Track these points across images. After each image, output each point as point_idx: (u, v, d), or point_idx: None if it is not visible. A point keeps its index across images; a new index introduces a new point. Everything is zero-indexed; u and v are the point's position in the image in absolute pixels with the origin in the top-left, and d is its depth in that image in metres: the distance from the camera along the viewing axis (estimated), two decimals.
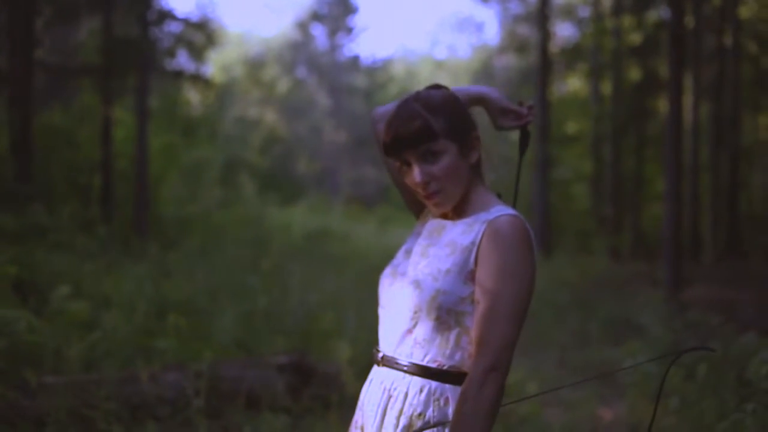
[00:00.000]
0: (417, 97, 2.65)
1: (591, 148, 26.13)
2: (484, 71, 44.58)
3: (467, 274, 2.50)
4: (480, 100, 2.88)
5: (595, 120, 25.34)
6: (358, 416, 2.73)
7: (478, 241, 2.51)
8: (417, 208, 2.87)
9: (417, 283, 2.55)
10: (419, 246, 2.68)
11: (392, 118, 2.61)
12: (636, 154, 23.50)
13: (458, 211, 2.66)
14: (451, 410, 2.49)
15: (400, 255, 2.76)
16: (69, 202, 15.27)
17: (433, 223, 2.71)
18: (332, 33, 50.66)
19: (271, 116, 48.61)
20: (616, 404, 7.87)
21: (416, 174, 2.57)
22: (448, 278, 2.50)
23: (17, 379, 5.70)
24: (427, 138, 2.55)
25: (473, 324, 2.46)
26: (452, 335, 2.51)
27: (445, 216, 2.70)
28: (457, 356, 2.52)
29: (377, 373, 2.68)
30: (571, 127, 28.59)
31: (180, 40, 25.54)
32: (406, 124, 2.56)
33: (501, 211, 2.56)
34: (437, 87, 2.73)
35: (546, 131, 21.77)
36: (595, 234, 24.44)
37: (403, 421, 2.52)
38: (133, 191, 18.97)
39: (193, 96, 30.79)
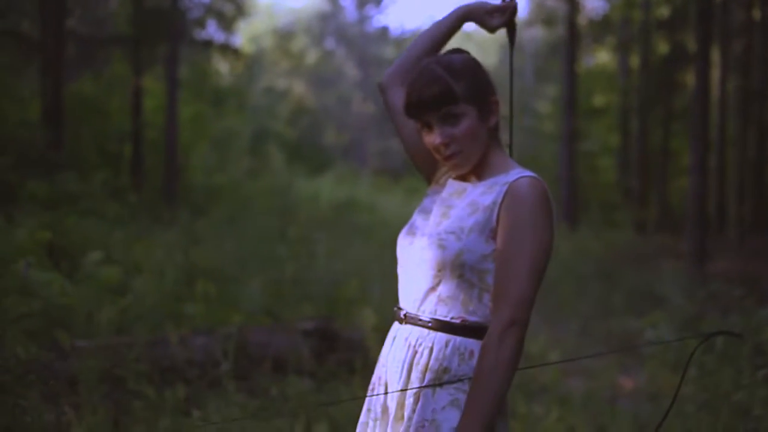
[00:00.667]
0: (439, 60, 2.73)
1: (618, 121, 26.09)
2: None
3: (489, 232, 2.59)
4: (465, 16, 3.01)
5: (622, 93, 25.28)
6: (381, 372, 2.80)
7: (499, 200, 2.60)
8: (428, 172, 2.95)
9: (440, 243, 2.62)
10: (439, 207, 2.76)
11: (414, 81, 2.69)
12: (663, 128, 23.44)
13: (478, 173, 2.74)
14: (475, 362, 2.57)
15: (416, 216, 2.84)
16: (100, 171, 15.45)
17: (453, 185, 2.79)
18: (361, 4, 50.62)
19: (299, 87, 48.68)
20: (637, 374, 7.98)
21: (437, 135, 2.66)
22: (471, 237, 2.59)
23: (51, 341, 5.88)
24: (449, 101, 2.63)
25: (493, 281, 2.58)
26: (475, 292, 2.60)
27: (463, 179, 2.78)
28: (480, 312, 2.60)
29: (400, 330, 2.75)
30: (599, 100, 28.53)
31: (210, 10, 25.68)
32: (428, 86, 2.64)
33: (521, 173, 2.64)
34: (458, 51, 2.82)
35: (572, 104, 21.75)
36: (620, 207, 24.45)
37: (429, 375, 2.60)
38: (162, 160, 19.14)
39: (222, 66, 30.91)
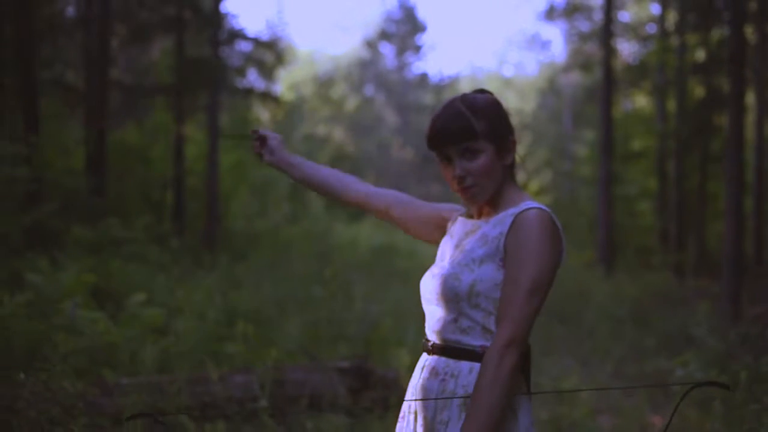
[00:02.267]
0: (463, 98, 2.93)
1: (656, 165, 26.13)
2: (550, 89, 44.67)
3: (499, 261, 2.79)
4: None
5: (659, 137, 25.35)
6: (407, 405, 2.99)
7: (506, 231, 2.80)
8: (430, 237, 3.27)
9: (455, 276, 2.82)
10: (455, 247, 2.97)
11: (438, 116, 2.91)
12: (700, 171, 23.46)
13: (491, 207, 2.95)
14: None
15: (437, 258, 3.07)
16: (142, 217, 15.75)
17: (465, 225, 3.00)
18: (400, 51, 51.05)
19: (339, 134, 49.08)
20: (666, 412, 8.09)
21: (456, 168, 2.87)
22: (482, 267, 2.79)
23: (96, 378, 6.12)
24: (469, 137, 2.84)
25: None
26: (492, 319, 2.78)
27: (477, 215, 3.00)
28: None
29: (428, 360, 2.93)
30: (637, 144, 28.58)
31: (250, 58, 26.07)
32: (451, 122, 2.86)
33: (529, 205, 2.84)
34: (482, 91, 3.02)
35: (609, 148, 21.86)
36: (658, 250, 24.43)
37: (455, 402, 2.78)
38: (204, 207, 19.43)
39: (262, 114, 31.25)
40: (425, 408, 2.87)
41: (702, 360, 8.23)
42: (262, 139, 3.51)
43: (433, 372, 2.89)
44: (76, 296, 7.25)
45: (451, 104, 2.92)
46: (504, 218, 2.85)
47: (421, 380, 2.94)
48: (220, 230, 19.55)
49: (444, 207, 3.26)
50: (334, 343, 8.97)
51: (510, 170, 2.99)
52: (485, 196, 2.91)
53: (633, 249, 25.14)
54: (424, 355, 2.99)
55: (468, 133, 2.84)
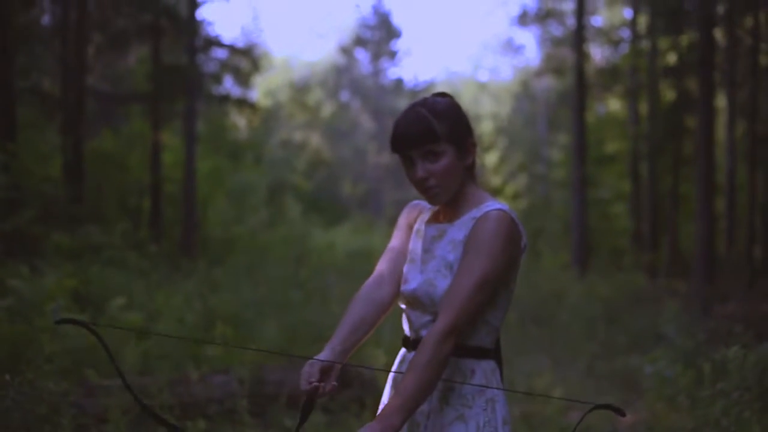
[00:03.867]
0: (424, 102, 3.04)
1: (629, 168, 26.40)
2: (525, 93, 44.92)
3: None
4: None
5: (632, 140, 25.62)
6: (385, 398, 3.14)
7: (468, 233, 2.94)
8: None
9: (430, 282, 2.96)
10: (424, 252, 3.10)
11: (400, 119, 3.01)
12: (673, 173, 23.72)
13: (454, 208, 3.08)
14: (477, 380, 2.94)
15: (409, 257, 3.18)
16: (120, 223, 15.85)
17: (432, 229, 3.13)
18: (375, 57, 51.16)
19: (315, 139, 49.19)
20: (637, 408, 8.29)
21: (418, 170, 2.97)
22: (454, 271, 2.94)
23: (79, 379, 6.27)
24: (430, 140, 2.94)
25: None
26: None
27: (439, 218, 3.14)
28: (475, 336, 2.94)
29: (407, 356, 3.09)
30: (610, 147, 28.86)
31: (226, 65, 26.17)
32: (413, 125, 2.96)
33: (490, 206, 2.96)
34: (442, 95, 3.14)
35: (582, 151, 22.07)
36: (631, 252, 24.70)
37: (436, 395, 2.92)
38: (181, 213, 19.54)
39: (239, 120, 31.33)
40: None
41: (670, 357, 8.43)
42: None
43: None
44: (58, 300, 7.39)
45: (413, 108, 3.03)
46: (467, 221, 2.99)
47: (395, 378, 3.10)
48: (198, 236, 19.66)
49: (406, 211, 3.35)
50: (311, 344, 9.12)
51: (470, 171, 3.10)
52: (447, 196, 3.03)
53: (607, 251, 25.41)
54: (403, 350, 3.14)
55: (430, 136, 2.94)
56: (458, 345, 2.87)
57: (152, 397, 6.09)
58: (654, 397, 7.59)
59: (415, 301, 3.03)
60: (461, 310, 2.79)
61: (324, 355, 2.97)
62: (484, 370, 2.97)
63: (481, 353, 2.97)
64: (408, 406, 2.68)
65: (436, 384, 2.78)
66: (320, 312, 11.16)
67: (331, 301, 12.00)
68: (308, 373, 2.91)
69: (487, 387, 2.92)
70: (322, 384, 2.89)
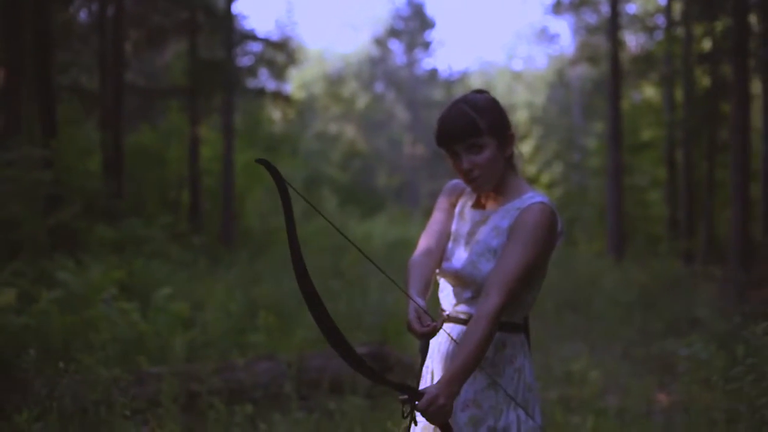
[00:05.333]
0: (465, 99, 3.30)
1: (665, 155, 26.35)
2: (560, 82, 44.88)
3: None
4: None
5: (667, 127, 25.57)
6: (428, 362, 3.37)
7: (513, 223, 3.19)
8: None
9: (473, 264, 3.21)
10: (468, 234, 3.34)
11: (444, 116, 3.27)
12: (708, 160, 23.68)
13: (496, 197, 3.33)
14: (508, 352, 3.22)
15: (451, 243, 3.41)
16: (160, 217, 16.09)
17: (475, 215, 3.37)
18: (409, 48, 51.25)
19: (350, 131, 49.38)
20: (673, 390, 8.42)
21: (464, 162, 3.22)
22: (497, 257, 3.17)
23: (129, 366, 6.49)
24: (473, 134, 3.19)
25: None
26: None
27: (483, 205, 3.38)
28: (509, 312, 3.15)
29: (446, 327, 3.29)
30: (646, 134, 28.81)
31: (261, 59, 26.35)
32: (457, 121, 3.22)
33: (532, 198, 3.22)
34: (480, 92, 3.39)
35: (617, 139, 22.10)
36: (667, 238, 24.69)
37: None
38: (220, 206, 19.77)
39: (275, 113, 31.52)
40: (443, 369, 3.26)
41: (705, 340, 8.54)
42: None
43: (448, 337, 3.26)
44: (107, 291, 7.62)
45: (455, 105, 3.28)
46: (510, 210, 3.24)
47: (438, 344, 3.33)
48: (237, 228, 19.90)
49: (448, 192, 3.56)
50: (352, 332, 9.31)
51: (510, 161, 3.35)
52: (491, 185, 3.29)
53: (643, 238, 25.42)
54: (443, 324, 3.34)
55: (473, 131, 3.19)
56: None
57: (200, 382, 6.30)
58: (689, 379, 7.70)
59: (459, 279, 3.27)
60: (510, 291, 3.04)
61: (420, 302, 3.16)
62: (513, 342, 3.25)
63: (512, 328, 3.24)
64: (465, 376, 2.93)
65: (484, 355, 3.01)
66: (360, 300, 11.37)
67: (370, 290, 12.18)
68: (417, 318, 3.12)
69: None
70: (435, 323, 3.11)
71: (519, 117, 46.21)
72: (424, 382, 3.36)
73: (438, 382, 2.89)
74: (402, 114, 50.71)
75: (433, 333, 3.06)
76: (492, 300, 3.01)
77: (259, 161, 2.86)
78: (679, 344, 9.25)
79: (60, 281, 8.66)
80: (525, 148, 42.60)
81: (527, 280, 3.14)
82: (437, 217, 3.51)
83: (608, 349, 11.04)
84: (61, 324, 6.98)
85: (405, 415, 2.88)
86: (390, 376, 7.22)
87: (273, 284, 12.14)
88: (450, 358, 3.24)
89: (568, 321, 13.16)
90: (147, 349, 7.12)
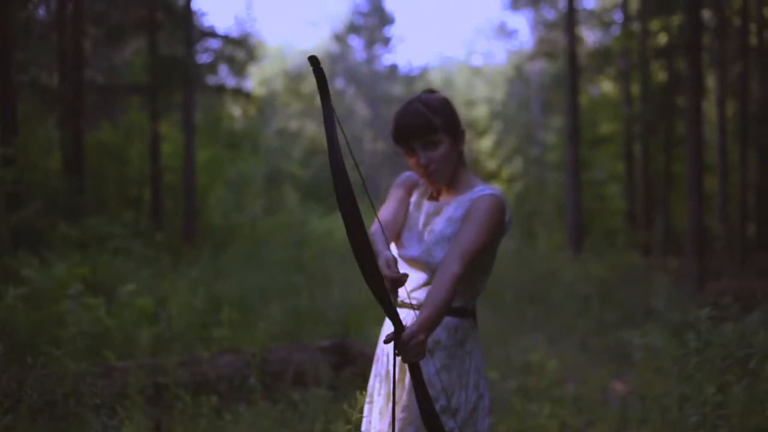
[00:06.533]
0: (419, 99, 3.51)
1: (623, 149, 26.67)
2: (519, 77, 45.15)
3: None
4: None
5: (625, 121, 25.88)
6: (382, 346, 3.61)
7: (466, 211, 3.41)
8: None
9: (429, 252, 3.42)
10: (423, 225, 3.56)
11: (400, 115, 3.48)
12: (665, 153, 24.00)
13: (449, 189, 3.56)
14: (460, 336, 3.43)
15: (404, 233, 3.61)
16: (122, 214, 16.13)
17: (430, 206, 3.58)
18: (369, 44, 51.39)
19: (311, 128, 49.42)
20: (629, 379, 8.62)
21: (421, 158, 3.44)
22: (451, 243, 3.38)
23: (95, 360, 6.60)
24: (429, 131, 3.42)
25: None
26: None
27: (437, 196, 3.61)
28: (460, 298, 3.42)
29: (400, 313, 3.42)
30: (604, 128, 29.12)
31: (221, 56, 26.40)
32: (413, 119, 3.44)
33: (483, 190, 3.45)
34: (432, 91, 3.61)
35: (576, 134, 22.30)
36: (625, 231, 24.99)
37: None
38: (181, 202, 19.80)
39: (235, 110, 31.56)
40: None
41: (660, 329, 8.73)
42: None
43: (404, 323, 3.37)
44: (72, 287, 7.71)
45: (411, 104, 3.50)
46: (464, 201, 3.47)
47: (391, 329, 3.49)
48: (199, 225, 19.95)
49: (403, 182, 3.76)
50: (315, 325, 9.48)
51: (461, 156, 3.60)
52: (446, 179, 3.53)
53: (602, 231, 25.71)
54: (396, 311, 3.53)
55: (429, 128, 3.42)
56: None
57: (166, 375, 6.41)
58: (644, 367, 7.90)
59: (415, 265, 3.47)
60: (468, 262, 3.23)
61: (388, 253, 3.24)
62: (464, 327, 3.46)
63: (463, 313, 3.46)
64: (433, 326, 3.07)
65: (445, 313, 3.14)
66: (322, 294, 11.52)
67: (332, 284, 12.34)
68: (387, 265, 3.18)
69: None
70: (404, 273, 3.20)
71: (479, 112, 46.44)
72: (380, 365, 3.57)
73: (413, 324, 3.00)
74: (362, 110, 50.85)
75: (400, 279, 3.14)
76: (453, 267, 3.18)
77: (311, 59, 2.94)
78: (635, 334, 9.46)
79: (24, 278, 8.73)
80: (485, 143, 42.86)
81: (479, 262, 3.33)
82: (394, 196, 3.70)
83: (566, 340, 11.27)
84: (27, 320, 7.07)
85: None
86: (352, 369, 7.41)
87: (236, 280, 12.26)
88: None
89: (528, 313, 13.37)
90: (113, 343, 7.22)
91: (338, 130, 2.99)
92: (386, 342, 2.97)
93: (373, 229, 3.47)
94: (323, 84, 2.94)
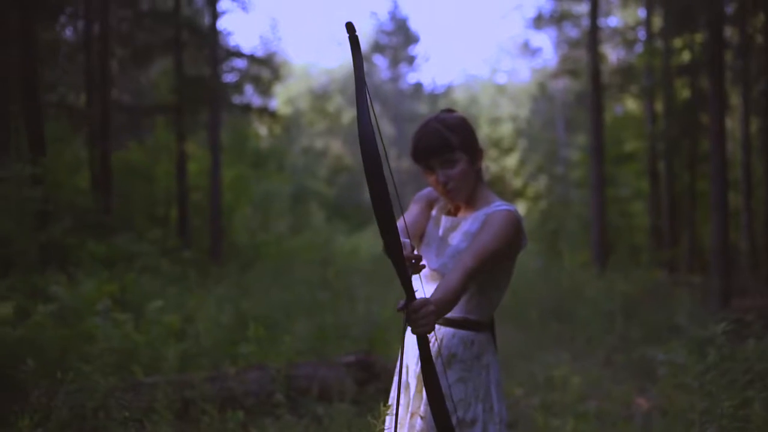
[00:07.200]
0: (437, 118, 3.60)
1: (647, 166, 26.61)
2: (542, 95, 45.12)
3: None
4: None
5: (649, 138, 25.83)
6: (403, 358, 3.61)
7: (481, 224, 3.49)
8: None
9: (445, 265, 3.51)
10: (441, 239, 3.65)
11: (419, 135, 3.57)
12: (689, 170, 23.96)
13: (468, 204, 3.65)
14: (476, 350, 3.52)
15: (423, 248, 3.70)
16: (149, 232, 16.27)
17: (447, 221, 3.67)
18: (394, 62, 51.50)
19: (336, 146, 49.58)
20: (653, 396, 8.65)
21: (440, 176, 3.53)
22: None
23: (124, 376, 6.70)
24: (448, 150, 3.51)
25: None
26: (474, 298, 3.51)
27: (455, 212, 3.71)
28: (477, 312, 3.51)
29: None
30: (628, 146, 29.08)
31: (247, 75, 26.56)
32: (431, 139, 3.53)
33: (499, 206, 3.52)
34: (450, 111, 3.71)
35: (600, 151, 22.29)
36: (650, 248, 24.93)
37: (440, 360, 3.48)
38: (207, 221, 19.95)
39: (261, 129, 31.71)
40: (415, 363, 3.58)
41: (684, 346, 8.76)
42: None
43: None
44: (100, 304, 7.84)
45: (429, 124, 3.59)
46: (480, 216, 3.55)
47: (412, 342, 3.62)
48: (225, 243, 20.09)
49: (424, 197, 3.86)
50: (339, 341, 9.56)
51: (479, 174, 3.68)
52: (464, 196, 3.63)
53: (626, 248, 25.65)
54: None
55: (447, 147, 3.51)
56: (462, 320, 3.51)
57: (193, 389, 6.51)
58: (667, 383, 7.94)
59: (431, 277, 3.57)
60: (481, 260, 3.29)
61: (407, 241, 3.27)
62: (481, 341, 3.55)
63: (479, 326, 3.55)
64: (443, 310, 3.12)
65: (457, 302, 3.21)
66: (346, 311, 11.62)
67: (356, 301, 12.43)
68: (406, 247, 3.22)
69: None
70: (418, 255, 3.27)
71: (504, 130, 46.47)
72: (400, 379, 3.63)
73: (430, 298, 3.05)
74: (387, 128, 50.92)
75: (417, 260, 3.18)
76: (465, 261, 3.26)
77: (348, 25, 2.95)
78: (659, 351, 9.49)
79: (53, 295, 8.86)
80: (510, 161, 42.86)
81: (487, 268, 3.36)
82: (416, 207, 3.80)
83: (590, 356, 11.28)
84: (57, 336, 7.18)
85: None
86: (376, 384, 7.48)
87: (262, 297, 12.37)
88: None
89: (552, 330, 13.39)
90: (141, 359, 7.34)
91: (368, 102, 3.04)
92: (399, 310, 3.00)
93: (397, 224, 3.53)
94: (357, 53, 2.97)
